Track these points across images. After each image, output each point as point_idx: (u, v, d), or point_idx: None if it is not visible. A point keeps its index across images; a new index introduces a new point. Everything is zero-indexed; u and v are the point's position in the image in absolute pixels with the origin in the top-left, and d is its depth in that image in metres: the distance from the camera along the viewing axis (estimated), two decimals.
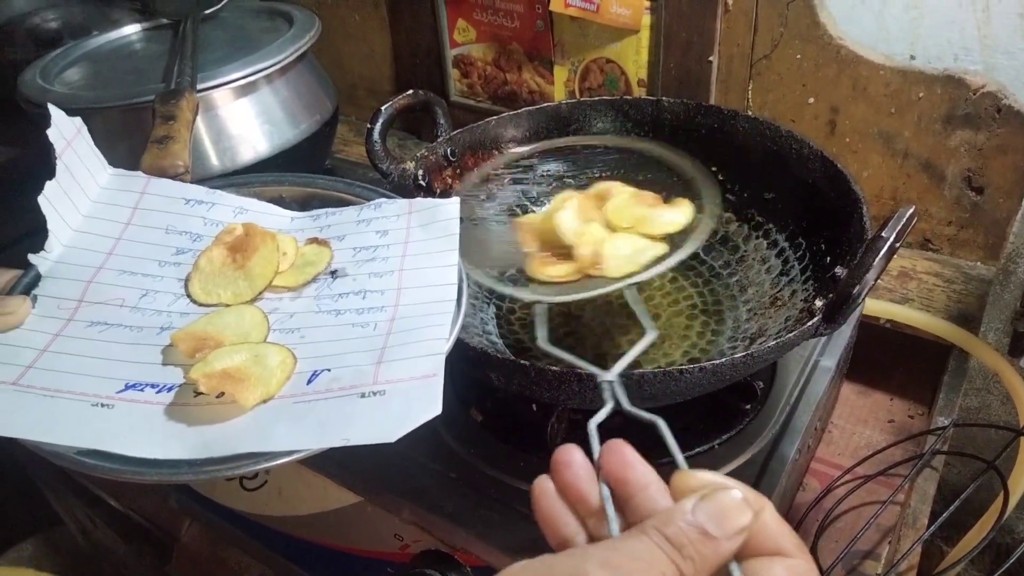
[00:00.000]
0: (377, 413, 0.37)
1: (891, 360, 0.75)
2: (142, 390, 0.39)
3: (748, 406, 0.58)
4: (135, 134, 0.73)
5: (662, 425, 0.34)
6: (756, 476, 0.54)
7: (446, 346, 0.41)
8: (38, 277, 0.45)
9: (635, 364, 0.43)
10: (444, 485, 0.56)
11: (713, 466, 0.55)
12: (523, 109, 0.72)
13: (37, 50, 1.05)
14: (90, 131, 0.75)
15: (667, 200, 0.60)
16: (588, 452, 0.32)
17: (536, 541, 0.52)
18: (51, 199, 0.46)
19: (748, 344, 0.58)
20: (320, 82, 0.85)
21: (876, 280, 0.44)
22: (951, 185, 0.71)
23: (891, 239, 0.44)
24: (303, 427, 0.37)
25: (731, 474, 0.55)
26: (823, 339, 0.65)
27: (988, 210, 0.71)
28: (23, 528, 1.19)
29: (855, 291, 0.44)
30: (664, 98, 0.70)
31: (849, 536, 0.62)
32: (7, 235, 0.84)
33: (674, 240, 0.56)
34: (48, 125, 0.79)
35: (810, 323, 0.47)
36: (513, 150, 0.71)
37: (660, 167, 0.65)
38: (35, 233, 0.88)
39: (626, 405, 0.37)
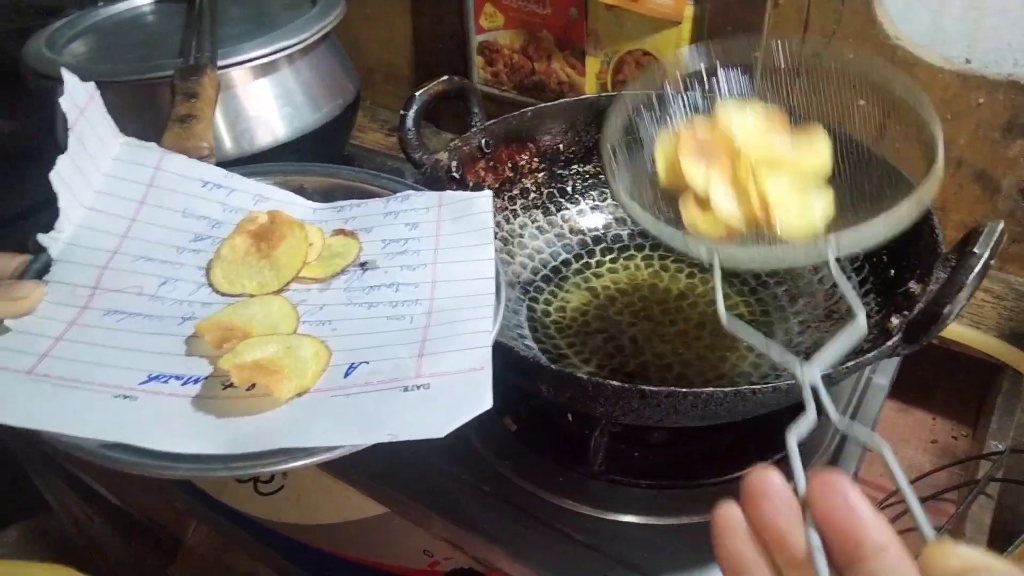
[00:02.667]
0: (422, 407, 0.35)
1: (934, 378, 0.72)
2: (166, 382, 0.37)
3: None
4: (146, 111, 0.68)
5: (889, 454, 0.26)
6: None
7: (490, 339, 0.39)
8: (49, 262, 0.41)
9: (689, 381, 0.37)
10: (477, 499, 0.53)
11: None
12: (561, 100, 0.68)
13: (38, 20, 1.00)
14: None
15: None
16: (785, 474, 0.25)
17: (578, 563, 0.49)
18: (63, 175, 0.42)
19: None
20: (342, 65, 0.80)
21: (968, 300, 0.41)
22: (1006, 197, 0.68)
23: (985, 255, 0.41)
24: (344, 422, 0.34)
25: None
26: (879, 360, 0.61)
27: None
28: (8, 515, 1.15)
29: (945, 311, 0.41)
30: None
31: None
32: (8, 210, 0.80)
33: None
34: (54, 95, 0.75)
35: (889, 342, 0.43)
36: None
37: None
38: (37, 209, 0.83)
39: (834, 417, 0.29)
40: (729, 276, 0.64)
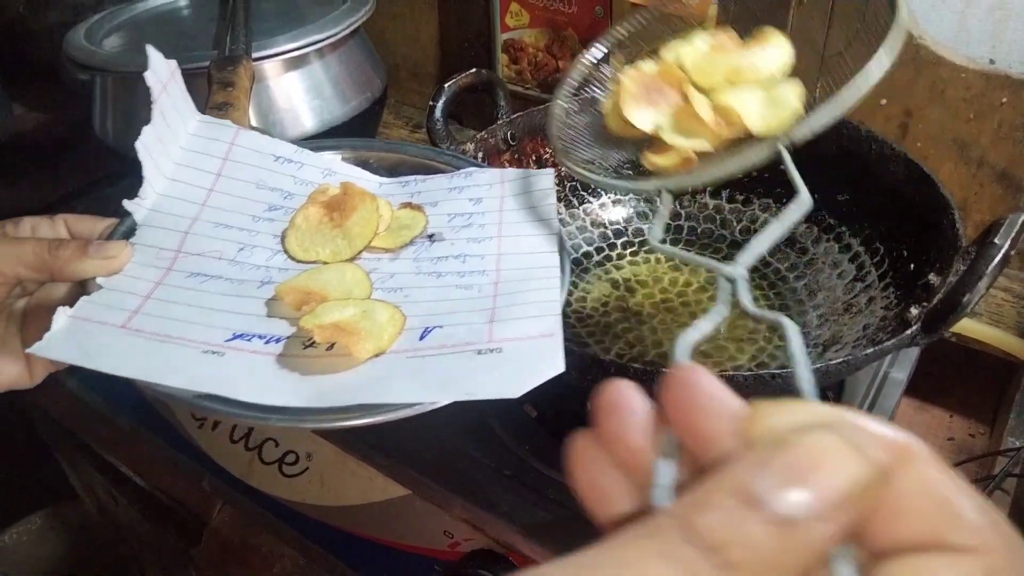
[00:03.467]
0: (497, 370, 0.36)
1: (951, 375, 0.72)
2: (250, 340, 0.39)
3: None
4: None
5: (790, 328, 0.23)
6: None
7: (559, 307, 0.40)
8: (134, 226, 0.44)
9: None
10: (498, 482, 0.54)
11: None
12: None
13: (75, 15, 1.02)
14: (139, 97, 0.72)
15: (746, 36, 0.50)
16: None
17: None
18: (147, 145, 0.45)
19: (822, 351, 0.55)
20: (370, 59, 0.82)
21: (988, 289, 0.42)
22: None
23: (1005, 246, 0.42)
24: (422, 381, 0.36)
25: None
26: (896, 350, 0.62)
27: None
28: (33, 499, 1.17)
29: (965, 299, 0.42)
30: None
31: None
32: (42, 200, 0.82)
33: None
34: (91, 87, 0.77)
35: (908, 332, 0.44)
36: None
37: None
38: (71, 199, 0.86)
39: (749, 306, 0.28)
40: (749, 271, 0.65)
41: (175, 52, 0.73)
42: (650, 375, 0.43)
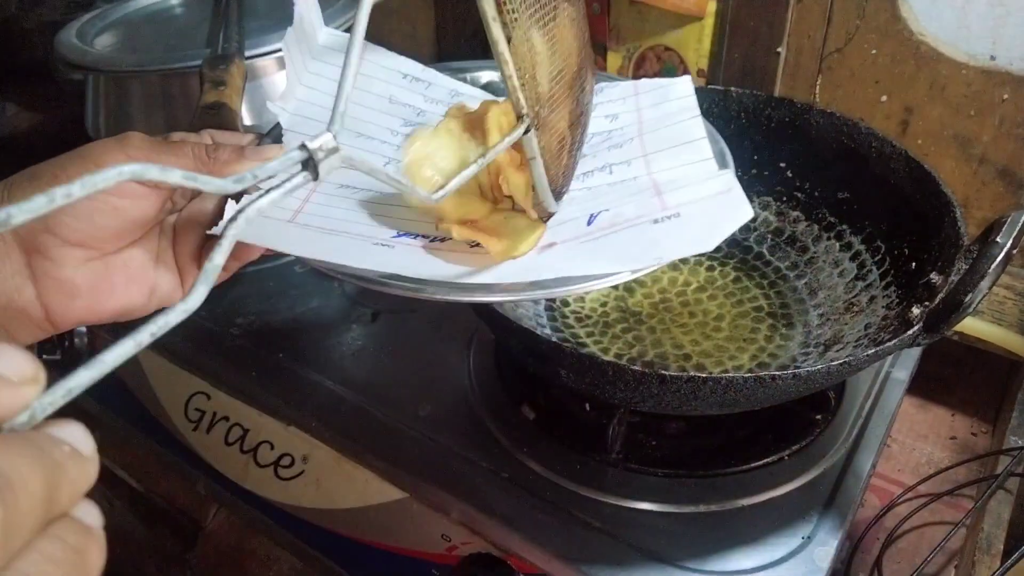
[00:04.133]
0: (681, 231, 0.35)
1: (953, 374, 0.72)
2: (415, 237, 0.39)
3: (819, 416, 0.55)
4: (177, 100, 0.70)
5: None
6: (830, 491, 0.51)
7: (729, 172, 0.38)
8: (280, 135, 0.44)
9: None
10: (496, 485, 0.53)
11: (785, 479, 0.52)
12: None
13: (65, 14, 1.02)
14: (131, 96, 0.72)
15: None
16: None
17: (595, 549, 0.49)
18: (289, 47, 0.45)
19: (823, 351, 0.55)
20: None
21: (990, 289, 0.41)
22: None
23: (1008, 245, 0.41)
24: (603, 257, 0.35)
25: (803, 488, 0.52)
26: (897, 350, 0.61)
27: None
28: None
29: (967, 299, 0.41)
30: (733, 88, 0.66)
31: (912, 557, 0.59)
32: None
33: None
34: (84, 87, 0.76)
35: (909, 332, 0.43)
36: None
37: None
38: None
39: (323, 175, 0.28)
40: (749, 270, 0.64)
41: (167, 51, 0.73)
42: (647, 375, 0.42)
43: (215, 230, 0.36)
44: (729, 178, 0.37)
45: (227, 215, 0.37)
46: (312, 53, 0.48)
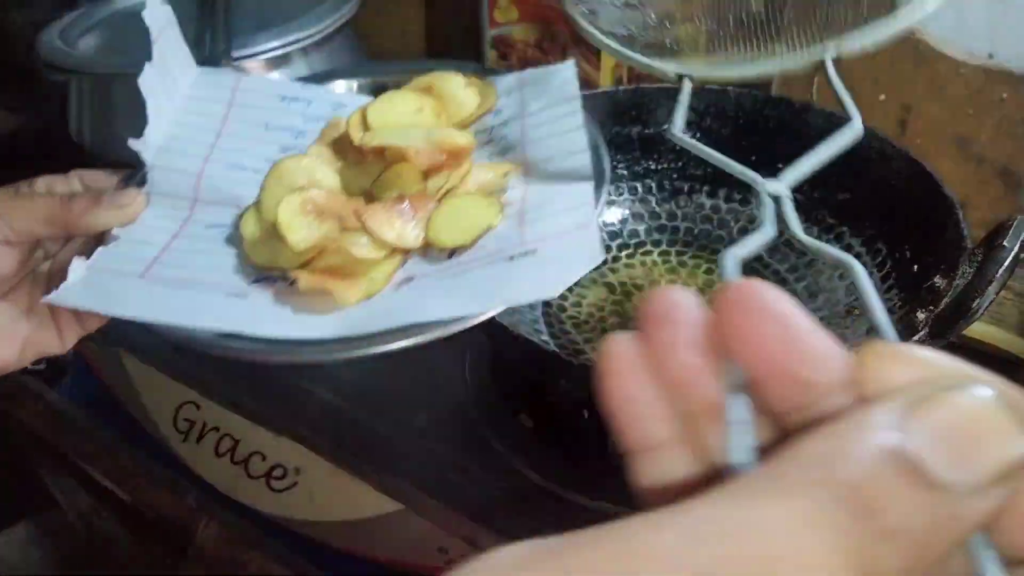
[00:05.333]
0: (532, 272, 0.35)
1: None
2: (275, 281, 0.38)
3: None
4: None
5: (857, 268, 0.20)
6: None
7: (591, 196, 0.38)
8: (147, 174, 0.43)
9: None
10: (494, 496, 0.52)
11: None
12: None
13: (51, 13, 1.00)
14: (115, 98, 0.70)
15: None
16: None
17: None
18: (149, 83, 0.43)
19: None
20: (357, 57, 0.80)
21: (997, 294, 0.40)
22: None
23: (1015, 249, 0.40)
24: (456, 296, 0.35)
25: None
26: None
27: None
28: (16, 511, 1.14)
29: (974, 305, 0.40)
30: (730, 88, 0.66)
31: None
32: None
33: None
34: (67, 88, 0.75)
35: (915, 337, 0.43)
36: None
37: None
38: None
39: (798, 232, 0.24)
40: (747, 272, 0.63)
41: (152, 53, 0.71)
42: None
43: (48, 299, 0.35)
44: (587, 213, 0.37)
45: (70, 275, 0.36)
46: (178, 87, 0.47)
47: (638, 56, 0.42)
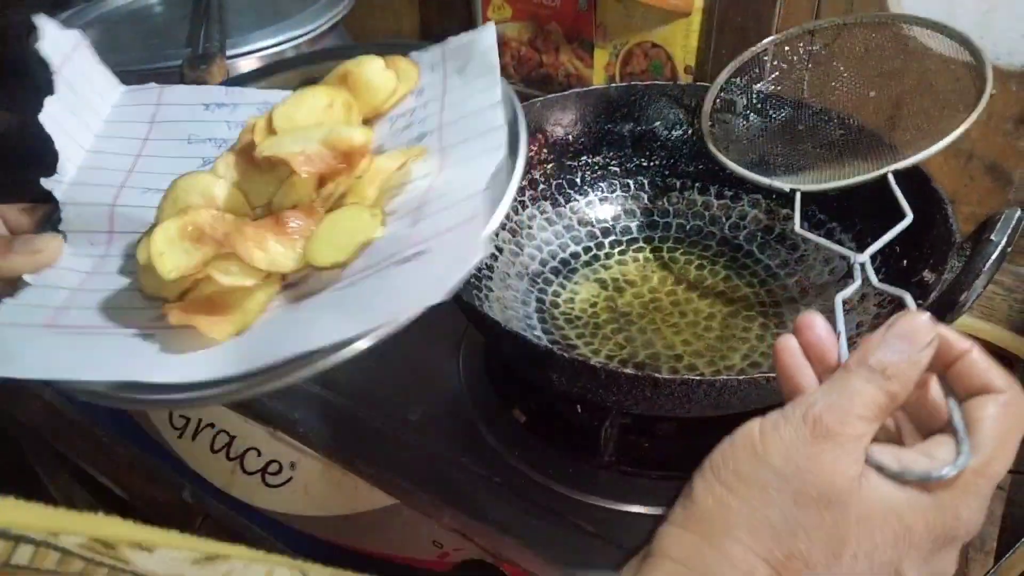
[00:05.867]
0: (419, 275, 0.32)
1: None
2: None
3: None
4: None
5: (909, 301, 0.35)
6: None
7: (485, 183, 0.35)
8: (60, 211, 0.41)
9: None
10: (488, 490, 0.52)
11: None
12: (571, 91, 0.68)
13: (46, 11, 1.00)
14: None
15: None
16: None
17: (588, 553, 0.49)
18: (54, 116, 0.41)
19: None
20: None
21: (985, 288, 0.41)
22: (1018, 189, 0.68)
23: (1002, 243, 0.41)
24: (347, 312, 0.32)
25: None
26: None
27: None
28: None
29: (962, 298, 0.41)
30: None
31: None
32: (13, 202, 0.79)
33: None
34: (49, 87, 0.75)
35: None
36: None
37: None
38: (42, 201, 0.83)
39: (875, 282, 0.41)
40: (739, 268, 0.64)
41: (147, 50, 0.71)
42: (641, 379, 0.42)
43: None
44: (475, 203, 0.34)
45: None
46: (100, 115, 0.44)
47: (757, 177, 0.57)
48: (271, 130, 0.40)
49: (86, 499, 0.83)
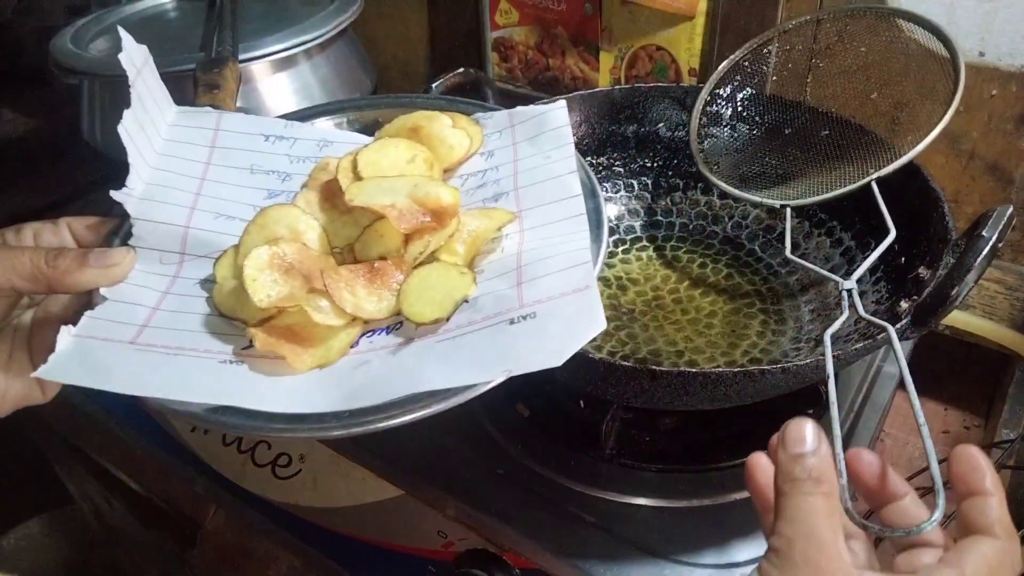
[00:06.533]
0: (533, 338, 0.34)
1: (946, 369, 0.72)
2: None
3: (811, 411, 0.56)
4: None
5: (892, 334, 0.37)
6: None
7: (589, 254, 0.37)
8: (132, 227, 0.41)
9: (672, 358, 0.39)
10: (491, 482, 0.53)
11: None
12: (576, 93, 0.69)
13: (65, 18, 1.02)
14: (125, 100, 0.72)
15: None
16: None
17: (589, 544, 0.50)
18: (129, 130, 0.42)
19: (814, 346, 0.55)
20: (359, 60, 0.82)
21: (976, 282, 0.41)
22: (1019, 188, 0.69)
23: (993, 238, 0.41)
24: (455, 363, 0.34)
25: None
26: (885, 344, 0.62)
27: None
28: (31, 506, 1.16)
29: (953, 293, 0.41)
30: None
31: None
32: (30, 206, 0.81)
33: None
34: (79, 92, 0.77)
35: (897, 326, 0.44)
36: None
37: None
38: (60, 204, 0.85)
39: (861, 312, 0.41)
40: (741, 266, 0.65)
41: (161, 54, 0.73)
42: (639, 371, 0.43)
43: (37, 374, 0.33)
44: (587, 272, 0.36)
45: (58, 346, 0.34)
46: (157, 129, 0.45)
47: (748, 195, 0.59)
48: (356, 175, 0.41)
49: (101, 493, 0.85)
